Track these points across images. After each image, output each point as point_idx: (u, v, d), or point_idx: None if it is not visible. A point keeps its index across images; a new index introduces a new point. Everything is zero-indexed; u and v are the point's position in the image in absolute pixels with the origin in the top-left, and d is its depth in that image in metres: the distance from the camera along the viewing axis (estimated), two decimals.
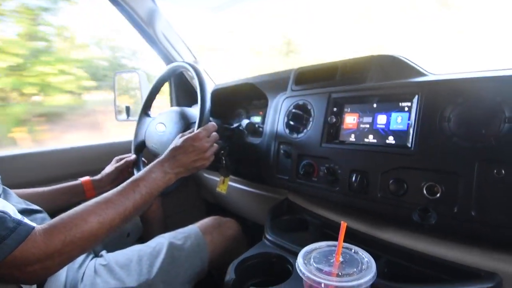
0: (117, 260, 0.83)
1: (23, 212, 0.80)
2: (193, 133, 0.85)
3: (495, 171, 0.53)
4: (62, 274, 0.75)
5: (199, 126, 0.89)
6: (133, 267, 0.81)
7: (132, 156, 1.13)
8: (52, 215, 0.99)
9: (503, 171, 0.52)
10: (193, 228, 0.99)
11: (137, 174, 0.75)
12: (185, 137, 0.84)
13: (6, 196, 0.77)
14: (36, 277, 0.57)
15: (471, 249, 0.57)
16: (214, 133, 0.89)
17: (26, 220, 0.57)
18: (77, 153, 1.32)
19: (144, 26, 1.28)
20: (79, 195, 1.02)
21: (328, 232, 0.79)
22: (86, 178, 1.07)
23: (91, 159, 1.34)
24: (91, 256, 0.86)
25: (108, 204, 0.66)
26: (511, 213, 0.51)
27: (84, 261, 0.82)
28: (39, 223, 0.81)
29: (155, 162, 0.80)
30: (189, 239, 0.93)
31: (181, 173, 0.81)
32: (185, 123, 1.07)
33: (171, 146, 0.83)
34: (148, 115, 1.20)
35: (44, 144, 2.11)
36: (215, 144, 0.88)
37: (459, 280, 0.55)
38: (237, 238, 1.06)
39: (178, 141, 0.84)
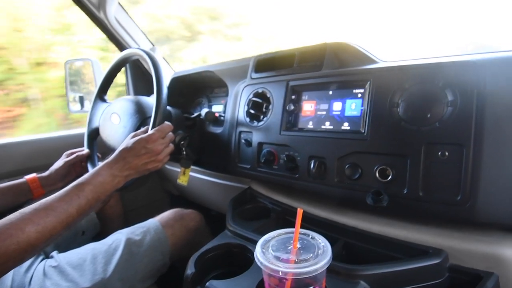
0: (69, 260, 0.78)
1: None
2: (146, 135, 0.79)
3: (439, 153, 0.56)
4: (8, 278, 0.70)
5: (154, 122, 0.84)
6: (87, 267, 0.77)
7: (85, 150, 1.06)
8: None
9: (446, 153, 0.55)
10: (152, 222, 0.96)
11: (82, 177, 0.68)
12: (138, 138, 0.77)
13: None
14: None
15: (421, 228, 0.61)
16: (170, 134, 0.84)
17: None
18: (23, 147, 1.22)
19: (95, 11, 1.20)
20: (25, 195, 0.93)
21: (289, 219, 0.80)
22: (33, 175, 0.99)
23: (38, 153, 1.25)
24: (40, 258, 0.81)
25: (48, 212, 0.59)
26: (455, 191, 0.54)
27: (32, 263, 0.76)
28: None
29: (103, 163, 0.74)
30: (148, 233, 0.90)
31: (131, 175, 0.76)
32: (141, 117, 1.02)
33: (122, 146, 0.77)
34: (104, 100, 1.11)
35: None
36: (170, 145, 0.84)
37: (410, 257, 0.58)
38: (200, 230, 1.04)
39: (129, 142, 0.77)
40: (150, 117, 0.91)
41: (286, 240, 0.54)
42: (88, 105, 1.38)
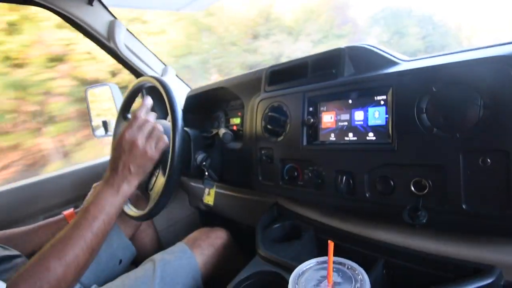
0: None
1: (2, 260, 0.75)
2: (123, 131, 0.75)
3: (480, 160, 0.50)
4: None
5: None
6: None
7: None
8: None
9: (488, 160, 0.50)
10: (181, 246, 0.96)
11: (85, 201, 0.69)
12: (116, 139, 0.74)
13: None
14: None
15: (466, 242, 0.55)
16: (152, 113, 0.80)
17: None
18: (53, 183, 1.26)
19: (105, 42, 1.21)
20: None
21: (322, 237, 0.76)
22: (70, 210, 1.02)
23: (69, 187, 1.29)
24: None
25: (65, 243, 0.60)
26: (502, 203, 0.49)
27: None
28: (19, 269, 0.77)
29: (101, 181, 0.73)
30: (178, 258, 0.90)
31: (133, 178, 0.72)
32: None
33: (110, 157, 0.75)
34: (127, 118, 1.13)
35: None
36: (158, 126, 0.78)
37: (459, 277, 0.53)
38: (227, 247, 1.04)
39: (112, 149, 0.75)
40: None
41: (319, 273, 0.51)
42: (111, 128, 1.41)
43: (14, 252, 0.81)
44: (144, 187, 0.91)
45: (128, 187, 0.72)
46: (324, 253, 0.50)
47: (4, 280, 0.70)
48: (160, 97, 1.53)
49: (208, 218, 1.65)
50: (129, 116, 1.13)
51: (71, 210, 1.02)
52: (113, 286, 0.83)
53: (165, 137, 0.77)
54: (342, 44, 0.76)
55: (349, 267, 0.51)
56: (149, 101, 0.82)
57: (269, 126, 0.86)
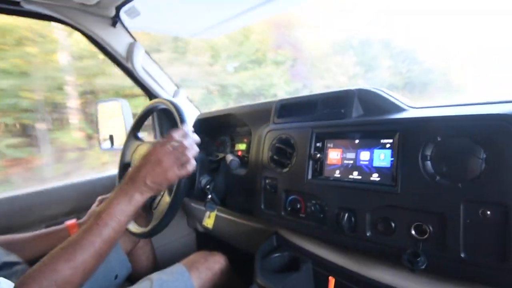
0: None
1: (3, 266, 0.76)
2: (155, 145, 0.76)
3: (480, 211, 0.52)
4: None
5: None
6: None
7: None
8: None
9: (488, 212, 0.51)
10: (179, 267, 0.96)
11: (99, 207, 0.70)
12: (146, 151, 0.76)
13: None
14: None
15: None
16: (190, 138, 0.79)
17: (2, 282, 0.54)
18: (57, 193, 1.28)
19: (124, 63, 1.26)
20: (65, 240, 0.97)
21: (320, 271, 0.77)
22: (73, 221, 1.03)
23: (74, 198, 1.30)
24: None
25: (75, 247, 0.62)
26: (500, 255, 0.50)
27: None
28: (19, 275, 0.77)
29: (115, 188, 0.74)
30: (175, 280, 0.90)
31: (147, 191, 0.73)
32: None
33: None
34: (138, 138, 1.15)
35: None
36: (188, 153, 0.76)
37: None
38: (224, 272, 1.04)
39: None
40: None
41: None
42: (116, 143, 1.44)
43: (16, 258, 0.81)
44: (148, 205, 0.92)
45: (141, 198, 0.72)
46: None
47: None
48: (171, 119, 1.57)
49: (205, 240, 1.64)
50: (140, 135, 1.16)
51: (73, 220, 1.03)
52: None
53: (190, 166, 0.77)
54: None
55: None
56: (188, 128, 0.83)
57: (275, 157, 0.88)
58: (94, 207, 1.07)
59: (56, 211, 1.26)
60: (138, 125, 1.15)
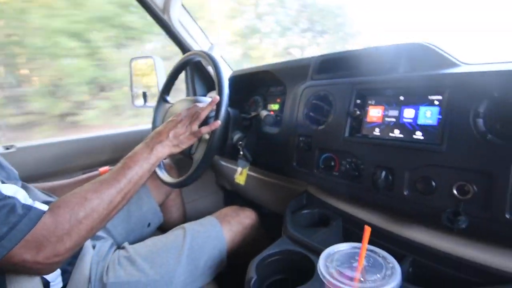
0: (139, 252, 0.85)
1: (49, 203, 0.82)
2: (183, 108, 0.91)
3: None
4: (86, 267, 0.77)
5: (216, 118, 0.88)
6: (155, 259, 0.82)
7: None
8: None
9: None
10: (211, 219, 1.00)
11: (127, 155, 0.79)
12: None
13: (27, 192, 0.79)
14: (48, 265, 0.58)
15: (504, 252, 0.54)
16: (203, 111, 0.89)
17: (37, 204, 0.58)
18: (94, 142, 1.34)
19: (160, 14, 1.25)
20: None
21: (350, 228, 0.77)
22: (105, 167, 1.09)
23: (109, 148, 1.36)
24: (114, 248, 0.88)
25: (103, 182, 0.69)
26: None
27: (107, 253, 0.84)
28: None
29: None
30: (207, 230, 0.94)
31: (168, 144, 0.83)
32: None
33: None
34: (167, 101, 1.19)
35: None
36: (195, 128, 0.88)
37: (491, 284, 0.53)
38: (255, 228, 1.06)
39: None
40: (211, 117, 0.94)
41: (351, 256, 0.52)
42: (150, 100, 1.47)
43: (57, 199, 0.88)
44: (187, 151, 0.95)
45: (162, 149, 0.82)
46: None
47: None
48: (203, 74, 1.57)
49: (232, 198, 1.69)
50: (168, 98, 1.18)
51: (106, 167, 1.09)
52: (144, 246, 0.88)
53: (185, 142, 0.88)
54: None
55: (381, 255, 0.52)
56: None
57: (311, 114, 0.86)
58: None
59: (93, 160, 1.33)
60: (168, 86, 1.17)
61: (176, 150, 0.86)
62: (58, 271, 0.72)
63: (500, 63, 0.61)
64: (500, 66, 0.58)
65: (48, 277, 0.69)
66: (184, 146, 0.87)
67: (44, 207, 0.58)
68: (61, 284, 0.73)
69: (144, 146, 0.81)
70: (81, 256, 0.78)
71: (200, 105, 0.93)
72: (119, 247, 0.90)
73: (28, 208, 0.55)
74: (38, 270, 0.59)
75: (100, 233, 0.95)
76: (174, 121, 0.87)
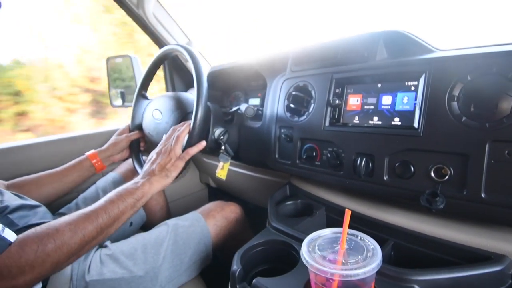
0: (122, 249, 0.83)
1: (22, 207, 0.79)
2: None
3: (506, 152, 0.51)
4: (67, 267, 0.75)
5: (195, 117, 0.87)
6: (138, 256, 0.81)
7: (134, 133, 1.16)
8: (55, 206, 1.00)
9: None
10: (195, 214, 0.99)
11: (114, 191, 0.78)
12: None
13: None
14: None
15: (481, 231, 0.56)
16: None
17: (6, 231, 0.56)
18: (74, 142, 1.29)
19: (135, 9, 1.22)
20: (88, 170, 1.06)
21: (334, 217, 0.78)
22: (92, 151, 1.10)
23: (91, 148, 1.32)
24: (96, 247, 0.86)
25: (79, 214, 0.67)
26: None
27: (89, 252, 0.81)
28: (40, 218, 0.81)
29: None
30: (191, 225, 0.93)
31: (155, 178, 0.83)
32: (182, 113, 1.05)
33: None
34: (145, 97, 1.17)
35: None
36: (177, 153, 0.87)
37: (468, 263, 0.54)
38: (240, 221, 1.06)
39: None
40: (191, 112, 0.93)
41: (333, 240, 0.53)
42: (128, 99, 1.43)
43: (34, 202, 0.84)
44: None
45: (149, 185, 0.81)
46: None
47: (24, 223, 0.75)
48: (181, 69, 1.55)
49: (216, 195, 1.68)
50: (147, 95, 1.16)
51: (93, 151, 1.10)
52: (127, 243, 0.86)
53: (174, 170, 0.87)
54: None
55: (362, 238, 0.52)
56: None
57: (292, 105, 0.86)
58: (114, 137, 1.16)
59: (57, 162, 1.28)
60: (145, 82, 1.15)
61: (168, 181, 0.85)
62: None
63: (473, 48, 0.63)
64: (472, 50, 0.60)
65: None
66: (175, 173, 0.86)
67: (12, 237, 0.56)
68: (40, 285, 0.70)
69: (132, 182, 0.81)
70: None
71: (176, 127, 0.93)
72: (101, 245, 0.87)
73: None
74: None
75: None
76: (155, 154, 0.88)
